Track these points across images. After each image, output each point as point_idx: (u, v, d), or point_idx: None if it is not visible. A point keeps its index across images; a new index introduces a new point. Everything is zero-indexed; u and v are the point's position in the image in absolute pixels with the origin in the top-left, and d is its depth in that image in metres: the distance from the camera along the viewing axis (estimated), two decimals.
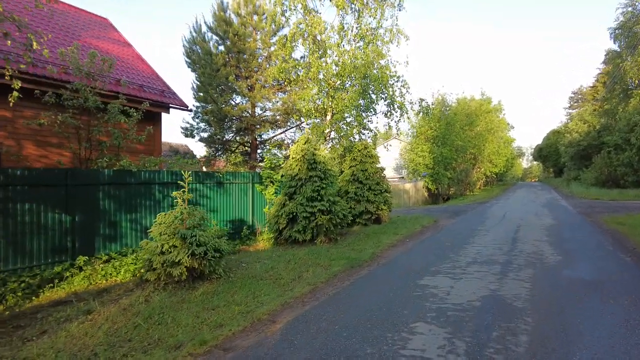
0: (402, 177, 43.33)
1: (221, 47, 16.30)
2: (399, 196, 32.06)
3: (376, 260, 8.23)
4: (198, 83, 15.77)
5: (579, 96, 70.86)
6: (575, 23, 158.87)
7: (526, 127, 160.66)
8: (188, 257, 6.29)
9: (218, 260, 6.87)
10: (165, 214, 6.83)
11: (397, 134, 14.46)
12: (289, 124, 18.01)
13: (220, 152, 17.40)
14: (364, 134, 16.02)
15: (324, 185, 10.68)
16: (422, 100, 14.53)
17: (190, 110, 15.34)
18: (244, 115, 16.27)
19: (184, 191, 7.02)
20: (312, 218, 10.35)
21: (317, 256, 8.61)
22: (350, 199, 14.13)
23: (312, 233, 10.40)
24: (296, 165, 10.86)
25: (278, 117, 17.12)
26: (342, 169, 14.79)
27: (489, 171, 44.72)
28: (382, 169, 14.90)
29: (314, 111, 14.08)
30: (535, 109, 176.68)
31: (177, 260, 6.24)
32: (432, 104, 37.16)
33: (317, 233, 10.48)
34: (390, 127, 14.70)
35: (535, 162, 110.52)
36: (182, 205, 6.86)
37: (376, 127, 15.31)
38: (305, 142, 11.07)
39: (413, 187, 34.72)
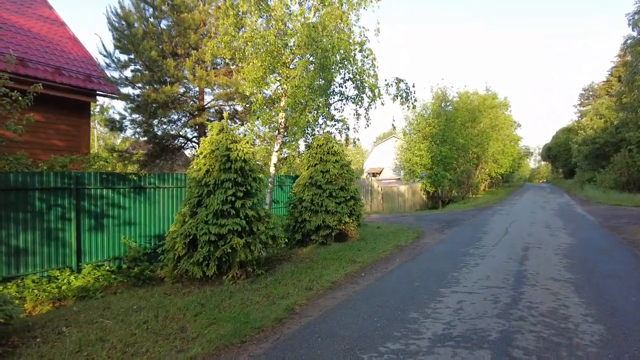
0: (399, 179, 39.76)
1: (163, 23, 13.08)
2: (393, 200, 28.53)
3: (279, 329, 4.78)
4: (126, 58, 12.52)
5: (590, 93, 66.54)
6: (582, 20, 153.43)
7: (533, 126, 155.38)
8: None
9: None
10: None
11: (366, 124, 10.77)
12: (248, 115, 14.63)
13: (160, 151, 14.14)
14: (330, 126, 12.60)
15: (242, 194, 7.29)
16: (399, 81, 11.04)
17: (120, 98, 12.11)
18: (187, 103, 12.93)
19: None
20: (220, 243, 6.97)
21: (194, 313, 5.23)
22: (304, 210, 10.71)
23: (219, 265, 7.02)
24: (205, 165, 7.48)
25: (222, 104, 13.79)
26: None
27: (493, 172, 40.89)
28: (349, 170, 11.44)
29: (259, 94, 10.70)
30: (542, 108, 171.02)
31: None
32: (432, 99, 33.92)
33: (228, 265, 7.10)
34: (358, 115, 11.24)
35: (543, 163, 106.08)
36: None
37: (346, 117, 11.36)
38: (220, 132, 7.69)
39: (409, 189, 31.15)
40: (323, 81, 10.47)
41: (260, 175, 8.03)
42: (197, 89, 14.08)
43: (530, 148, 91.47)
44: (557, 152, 53.76)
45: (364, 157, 65.85)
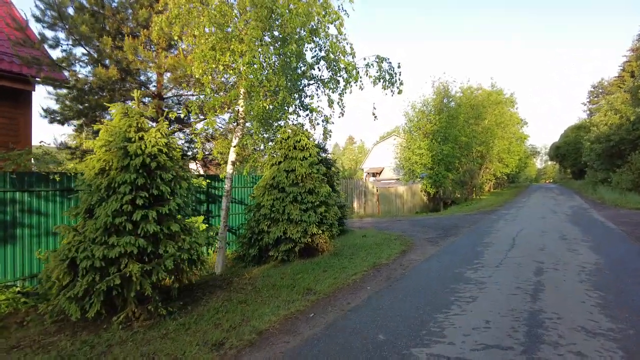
0: (399, 179, 37.51)
1: None
2: (390, 202, 26.34)
3: None
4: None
5: (600, 90, 63.73)
6: (587, 18, 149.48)
7: (539, 125, 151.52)
8: None
9: None
10: None
11: (341, 113, 8.52)
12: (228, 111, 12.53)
13: None
14: (303, 117, 10.59)
15: (145, 201, 5.22)
16: (381, 60, 8.88)
17: (64, 86, 10.16)
18: (134, 90, 10.83)
19: None
20: (112, 269, 4.91)
21: None
22: (262, 218, 8.61)
23: (111, 301, 4.96)
24: (99, 161, 5.41)
25: (189, 94, 11.72)
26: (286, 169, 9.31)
27: (499, 172, 38.44)
28: (320, 169, 9.31)
29: (209, 76, 8.63)
30: (548, 106, 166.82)
31: None
32: (433, 95, 31.62)
33: (122, 301, 5.04)
34: (331, 101, 9.09)
35: (549, 162, 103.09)
36: None
37: (319, 106, 9.12)
38: (123, 118, 5.61)
39: (408, 190, 28.92)
40: (285, 57, 8.38)
41: (182, 174, 5.93)
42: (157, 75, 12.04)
43: (537, 147, 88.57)
44: (565, 151, 51.06)
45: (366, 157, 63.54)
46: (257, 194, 9.02)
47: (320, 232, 8.77)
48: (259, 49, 8.00)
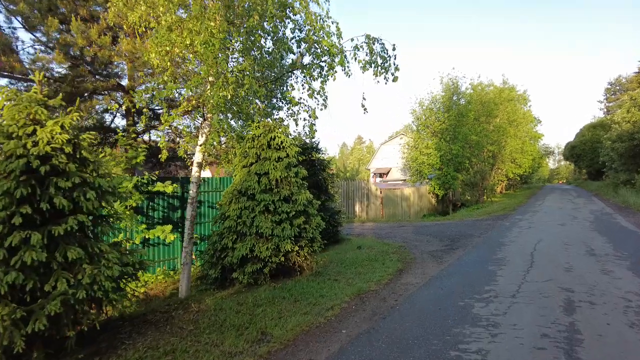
0: (405, 180, 35.75)
1: None
2: (395, 205, 24.68)
3: None
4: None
5: (617, 87, 61.02)
6: (601, 12, 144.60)
7: (552, 124, 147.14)
8: None
9: None
10: None
11: (322, 105, 6.93)
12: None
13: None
14: (285, 111, 9.17)
15: (33, 217, 3.77)
16: (372, 40, 7.31)
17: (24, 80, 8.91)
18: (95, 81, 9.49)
19: None
20: None
21: None
22: (227, 232, 7.13)
23: None
24: None
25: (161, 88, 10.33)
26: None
27: (511, 172, 36.39)
28: (297, 173, 7.79)
29: (166, 60, 7.21)
30: (562, 105, 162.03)
31: None
32: (441, 91, 29.81)
33: None
34: (312, 91, 7.56)
35: (562, 163, 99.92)
36: None
37: (300, 98, 7.45)
38: (14, 107, 4.17)
39: (415, 192, 27.17)
40: (248, 36, 6.90)
41: (94, 181, 4.46)
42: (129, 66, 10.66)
43: (550, 147, 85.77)
44: (581, 151, 48.55)
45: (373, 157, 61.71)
46: (223, 201, 7.53)
47: (298, 248, 7.24)
48: (216, 25, 6.55)
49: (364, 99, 7.68)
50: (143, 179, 9.05)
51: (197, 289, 7.22)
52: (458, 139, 27.02)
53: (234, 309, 5.52)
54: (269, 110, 8.83)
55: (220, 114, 7.42)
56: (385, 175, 48.94)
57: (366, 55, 7.41)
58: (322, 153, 13.45)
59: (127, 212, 8.51)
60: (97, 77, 9.77)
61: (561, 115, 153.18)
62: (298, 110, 8.43)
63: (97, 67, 9.56)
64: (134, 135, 8.79)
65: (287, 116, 8.53)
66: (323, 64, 7.66)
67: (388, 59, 7.46)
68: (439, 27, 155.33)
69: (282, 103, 8.81)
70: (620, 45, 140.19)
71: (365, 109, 7.74)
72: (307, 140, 13.05)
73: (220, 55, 6.63)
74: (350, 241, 12.40)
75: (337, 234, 12.58)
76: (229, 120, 7.73)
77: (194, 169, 8.23)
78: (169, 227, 9.10)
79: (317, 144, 13.16)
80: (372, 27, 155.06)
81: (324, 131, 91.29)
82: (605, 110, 58.70)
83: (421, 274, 7.55)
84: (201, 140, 8.21)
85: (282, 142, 7.58)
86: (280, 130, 7.76)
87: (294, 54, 8.39)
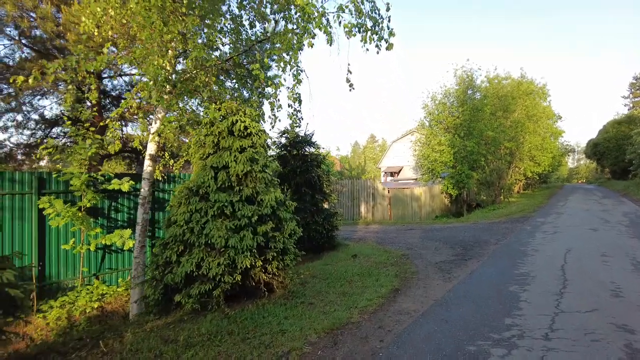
0: (417, 179, 33.80)
1: None
2: (405, 205, 22.84)
3: None
4: None
5: None
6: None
7: (571, 121, 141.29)
8: None
9: None
10: None
11: (295, 80, 5.25)
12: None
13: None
14: (257, 93, 7.67)
15: None
16: None
17: None
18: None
19: None
20: None
21: None
22: (173, 242, 5.57)
23: None
24: None
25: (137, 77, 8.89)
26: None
27: (529, 171, 34.03)
28: (265, 166, 6.19)
29: (105, 30, 5.73)
30: (582, 101, 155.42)
31: None
32: (455, 85, 27.83)
33: None
34: (285, 62, 5.94)
35: (582, 162, 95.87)
36: None
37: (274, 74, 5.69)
38: None
39: (427, 192, 25.22)
40: None
41: None
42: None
43: (570, 144, 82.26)
44: (605, 149, 45.59)
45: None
46: (173, 203, 5.99)
47: (262, 263, 5.64)
48: None
49: (349, 72, 6.03)
50: (95, 175, 7.59)
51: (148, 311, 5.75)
52: (473, 135, 25.06)
53: (154, 350, 3.97)
54: (244, 95, 7.28)
55: (165, 94, 5.89)
56: (396, 174, 46.97)
57: (354, 16, 5.78)
58: (317, 147, 11.83)
59: (80, 214, 7.09)
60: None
61: (580, 113, 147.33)
62: (275, 93, 6.82)
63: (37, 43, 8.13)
64: (87, 125, 7.29)
65: (258, 97, 6.97)
66: (298, 29, 6.04)
67: (380, 21, 5.80)
68: (452, 22, 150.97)
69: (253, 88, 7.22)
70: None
71: (351, 85, 6.09)
72: (302, 134, 11.51)
73: (158, 14, 5.08)
74: (347, 247, 10.78)
75: (332, 239, 10.98)
76: (177, 101, 6.18)
77: (146, 162, 6.75)
78: (128, 231, 7.61)
79: (311, 136, 11.57)
80: None
81: (336, 130, 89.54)
82: (630, 105, 55.31)
83: (422, 296, 5.86)
84: (154, 127, 6.72)
85: (246, 128, 6.00)
86: (245, 113, 6.18)
87: (267, 21, 6.83)
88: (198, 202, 5.67)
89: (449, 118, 26.41)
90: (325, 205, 12.36)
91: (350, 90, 6.05)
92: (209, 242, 5.34)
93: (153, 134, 6.64)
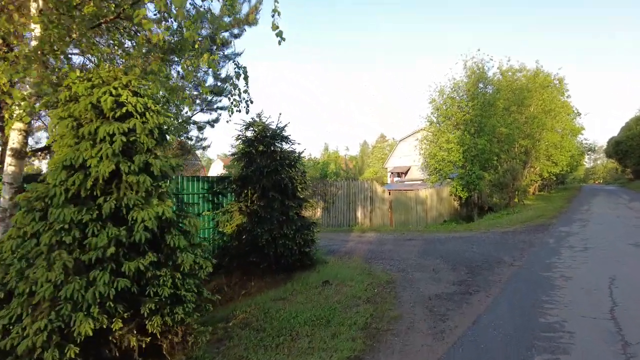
0: (424, 180, 31.29)
1: None
2: (408, 209, 20.45)
3: None
4: None
5: None
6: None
7: (589, 119, 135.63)
8: None
9: None
10: None
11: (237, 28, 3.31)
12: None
13: None
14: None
15: None
16: None
17: None
18: None
19: None
20: None
21: None
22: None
23: None
24: None
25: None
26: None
27: (546, 171, 31.19)
28: (147, 163, 3.99)
29: None
30: (597, 100, 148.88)
31: None
32: (465, 77, 25.30)
33: None
34: (232, 13, 3.81)
35: (599, 161, 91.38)
36: None
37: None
38: None
39: (434, 194, 22.74)
40: None
41: None
42: None
43: (590, 142, 78.39)
44: (628, 147, 42.25)
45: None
46: (17, 219, 3.85)
47: (129, 319, 3.46)
48: None
49: (276, 12, 3.80)
50: None
51: None
52: (484, 132, 22.55)
53: None
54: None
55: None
56: (403, 175, 44.47)
57: None
58: (291, 142, 9.62)
59: None
60: None
61: (597, 110, 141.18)
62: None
63: None
64: None
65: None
66: None
67: None
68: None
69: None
70: None
71: (282, 38, 3.87)
72: (273, 126, 9.33)
73: None
74: (325, 267, 8.55)
75: (306, 257, 8.76)
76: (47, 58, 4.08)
77: (7, 160, 4.64)
78: None
79: (281, 129, 9.39)
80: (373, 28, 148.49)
81: (340, 129, 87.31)
82: None
83: None
84: (17, 110, 4.62)
85: (121, 105, 3.81)
86: (131, 83, 4.00)
87: None
88: (37, 222, 3.52)
89: (458, 113, 23.91)
90: (307, 214, 10.18)
91: (279, 44, 3.81)
92: (32, 290, 3.18)
93: (15, 117, 4.55)
